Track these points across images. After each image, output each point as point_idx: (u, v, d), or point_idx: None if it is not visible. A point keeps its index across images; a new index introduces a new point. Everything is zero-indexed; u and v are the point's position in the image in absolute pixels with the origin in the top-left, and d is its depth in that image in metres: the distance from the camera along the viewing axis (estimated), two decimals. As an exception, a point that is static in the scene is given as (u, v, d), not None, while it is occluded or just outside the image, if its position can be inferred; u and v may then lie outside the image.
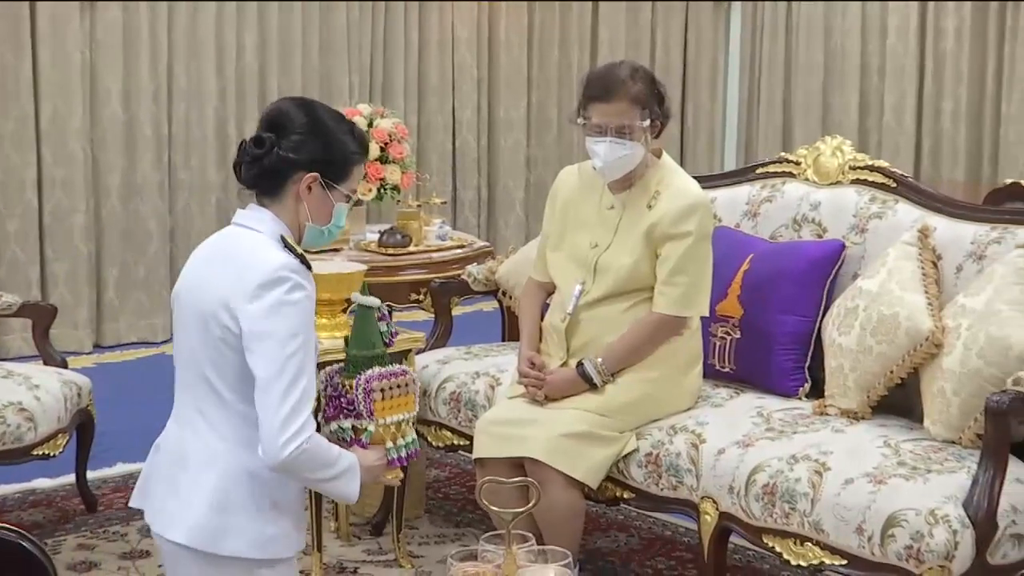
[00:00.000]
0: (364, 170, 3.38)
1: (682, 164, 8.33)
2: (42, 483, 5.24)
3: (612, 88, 4.08)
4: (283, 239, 3.05)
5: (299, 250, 3.07)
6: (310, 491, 3.76)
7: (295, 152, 3.08)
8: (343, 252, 5.19)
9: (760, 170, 4.70)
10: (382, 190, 5.32)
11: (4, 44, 6.97)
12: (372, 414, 3.13)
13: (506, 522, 2.72)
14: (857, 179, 4.40)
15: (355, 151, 3.18)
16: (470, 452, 4.27)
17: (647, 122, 4.08)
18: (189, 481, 3.02)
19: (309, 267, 3.06)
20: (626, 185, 4.18)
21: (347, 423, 3.17)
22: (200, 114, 7.64)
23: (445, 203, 6.82)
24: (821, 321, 4.20)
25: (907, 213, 4.23)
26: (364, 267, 4.58)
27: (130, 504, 3.21)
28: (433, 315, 5.06)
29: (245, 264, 2.99)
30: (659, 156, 4.22)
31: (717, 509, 3.87)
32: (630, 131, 4.06)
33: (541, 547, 2.80)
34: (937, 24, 8.73)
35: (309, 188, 3.10)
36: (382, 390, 3.15)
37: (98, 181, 7.36)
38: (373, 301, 3.25)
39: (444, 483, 5.40)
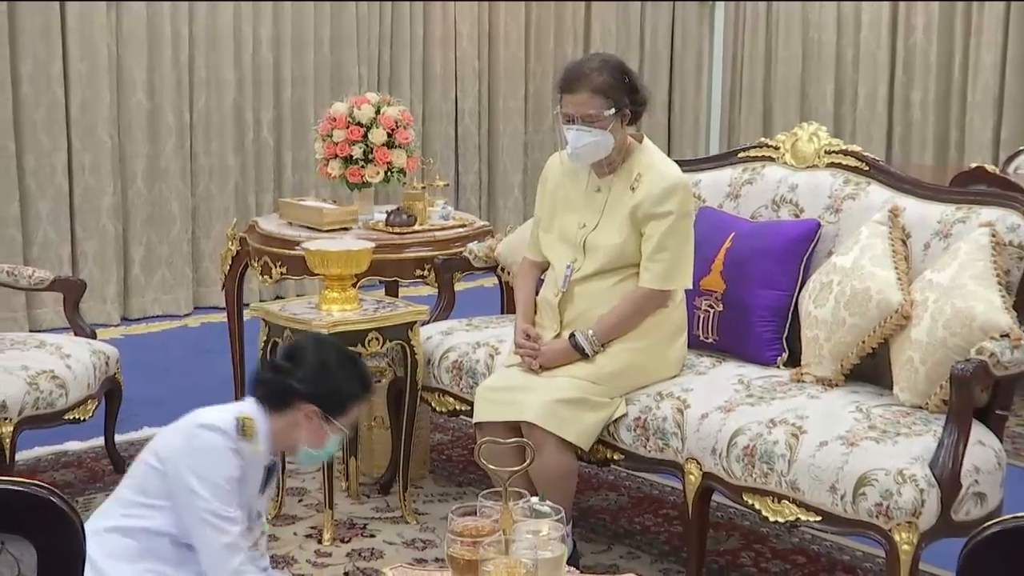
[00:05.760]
0: (364, 407, 3.46)
1: (669, 149, 8.40)
2: (73, 445, 5.25)
3: (575, 80, 4.09)
4: (243, 425, 3.18)
5: (250, 437, 3.19)
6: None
7: (303, 385, 3.23)
8: (352, 231, 5.19)
9: (742, 154, 4.68)
10: (389, 173, 5.31)
11: (37, 40, 6.95)
12: None
13: (503, 480, 2.73)
14: (832, 163, 4.39)
15: (357, 394, 3.33)
16: (471, 417, 4.27)
17: (612, 111, 4.07)
18: None
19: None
20: (610, 169, 4.18)
21: None
22: (219, 103, 7.62)
23: (448, 185, 6.79)
24: (798, 295, 4.20)
25: (878, 194, 4.22)
26: (372, 245, 4.58)
27: None
28: (437, 290, 5.05)
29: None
30: (640, 141, 4.22)
31: (701, 469, 3.88)
32: (594, 119, 4.06)
33: (536, 503, 2.81)
34: (907, 19, 8.71)
35: (308, 417, 3.25)
36: None
37: (124, 166, 7.35)
38: None
39: (447, 446, 5.40)
